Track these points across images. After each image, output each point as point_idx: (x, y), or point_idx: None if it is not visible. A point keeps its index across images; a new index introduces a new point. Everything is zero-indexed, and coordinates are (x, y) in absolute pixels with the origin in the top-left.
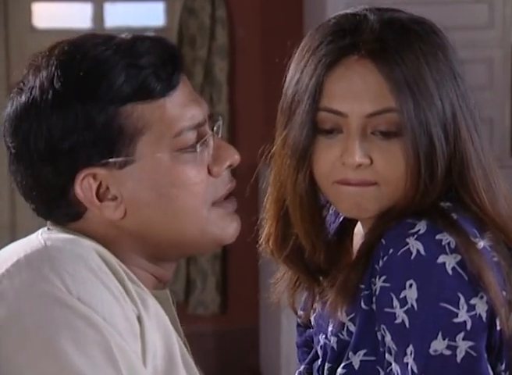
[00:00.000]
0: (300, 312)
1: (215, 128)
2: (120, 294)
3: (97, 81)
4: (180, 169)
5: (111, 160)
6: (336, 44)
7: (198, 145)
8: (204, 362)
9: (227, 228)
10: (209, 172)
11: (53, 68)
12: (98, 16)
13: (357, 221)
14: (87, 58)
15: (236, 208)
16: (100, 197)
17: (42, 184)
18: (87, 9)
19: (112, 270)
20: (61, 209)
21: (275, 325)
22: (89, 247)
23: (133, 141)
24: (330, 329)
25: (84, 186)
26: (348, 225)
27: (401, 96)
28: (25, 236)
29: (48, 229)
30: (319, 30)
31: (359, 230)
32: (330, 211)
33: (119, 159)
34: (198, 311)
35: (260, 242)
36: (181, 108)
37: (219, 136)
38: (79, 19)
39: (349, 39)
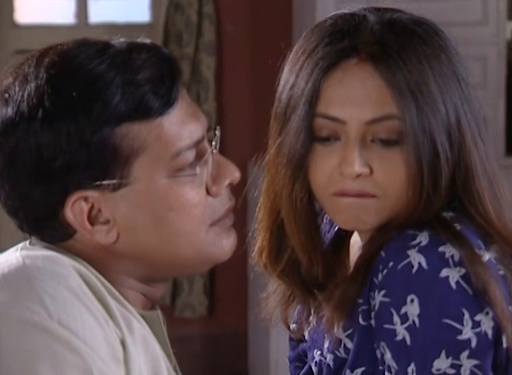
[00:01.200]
0: (293, 326)
1: (213, 143)
2: (102, 316)
3: (92, 99)
4: (178, 191)
5: (104, 182)
6: (334, 47)
7: (198, 167)
8: (191, 366)
9: (223, 246)
10: (208, 191)
11: (42, 82)
12: (82, 11)
13: (353, 231)
14: (80, 73)
15: (233, 222)
16: (91, 220)
17: (30, 206)
18: (71, 4)
19: (94, 291)
20: (49, 230)
21: (264, 328)
22: (69, 266)
23: (128, 163)
24: (326, 345)
25: (75, 209)
26: (344, 234)
27: (403, 102)
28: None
29: (30, 243)
30: (315, 31)
31: (356, 241)
32: (325, 220)
33: (113, 182)
34: (185, 314)
35: (252, 255)
36: (179, 126)
37: (217, 148)
38: (62, 14)
39: (347, 41)
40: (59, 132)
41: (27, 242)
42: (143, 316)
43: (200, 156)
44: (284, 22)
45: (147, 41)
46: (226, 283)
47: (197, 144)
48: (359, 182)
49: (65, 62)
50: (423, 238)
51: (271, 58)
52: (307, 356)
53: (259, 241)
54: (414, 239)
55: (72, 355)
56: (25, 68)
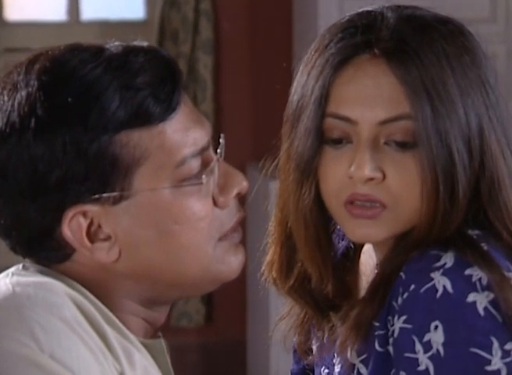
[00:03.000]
0: (300, 337)
1: (218, 150)
2: (99, 349)
3: (88, 106)
4: (184, 203)
5: (104, 195)
6: (346, 42)
7: (204, 176)
8: None
9: (232, 264)
10: (215, 203)
11: (34, 89)
12: (74, 7)
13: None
14: (74, 79)
15: (241, 237)
16: (91, 237)
17: (24, 224)
18: (62, 1)
19: (90, 321)
20: (44, 251)
21: (264, 337)
22: (64, 294)
23: (129, 173)
24: (337, 370)
25: (73, 226)
26: (357, 246)
27: (417, 101)
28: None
29: (24, 267)
30: (331, 28)
31: (370, 255)
32: (337, 230)
33: (113, 194)
34: (182, 323)
35: (262, 270)
36: (183, 132)
37: (222, 157)
38: (53, 11)
39: (361, 36)
40: (54, 142)
41: (20, 266)
42: (145, 345)
43: (205, 165)
44: (284, 19)
45: (144, 43)
46: (224, 290)
47: (202, 151)
48: (371, 187)
49: (58, 67)
50: (448, 259)
51: (270, 57)
52: (312, 371)
53: (269, 254)
54: (439, 260)
55: None
56: (14, 76)
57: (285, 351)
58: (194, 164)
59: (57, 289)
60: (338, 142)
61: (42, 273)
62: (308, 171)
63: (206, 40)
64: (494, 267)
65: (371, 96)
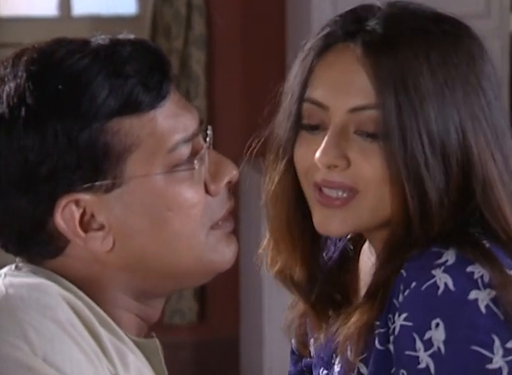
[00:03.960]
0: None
1: (207, 139)
2: (93, 351)
3: (78, 94)
4: (176, 189)
5: (96, 184)
6: (332, 30)
7: (196, 160)
8: (180, 374)
9: (225, 253)
10: (206, 190)
11: (22, 80)
12: (65, 3)
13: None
14: (62, 68)
15: (233, 227)
16: (84, 226)
17: (15, 217)
18: None
19: (85, 323)
20: (37, 246)
21: (257, 334)
22: (58, 295)
23: (121, 161)
24: (337, 369)
25: (66, 215)
26: (354, 246)
27: (383, 92)
28: None
29: (17, 267)
30: (329, 19)
31: (367, 251)
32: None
33: (106, 182)
34: (174, 320)
35: (265, 266)
36: (173, 119)
37: (211, 146)
38: (44, 6)
39: (348, 26)
40: (45, 132)
41: (13, 266)
42: (138, 345)
43: (196, 152)
44: (277, 14)
45: (131, 35)
46: (217, 287)
47: (192, 138)
48: (338, 174)
49: (45, 58)
50: (449, 257)
51: (263, 53)
52: (310, 372)
53: (269, 251)
54: (440, 257)
55: None
56: (0, 71)
57: (278, 350)
58: (185, 150)
59: (51, 290)
60: (315, 128)
61: (35, 273)
62: (284, 152)
63: (199, 35)
64: (496, 265)
65: (343, 83)
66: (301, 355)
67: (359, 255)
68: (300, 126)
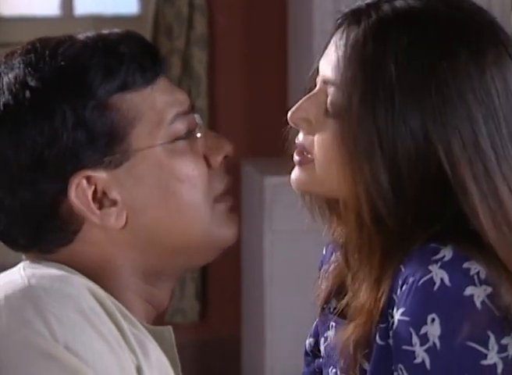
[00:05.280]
0: (310, 339)
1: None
2: (116, 341)
3: (78, 74)
4: (180, 160)
5: (105, 159)
6: (343, 13)
7: (197, 130)
8: (182, 373)
9: (230, 226)
10: (206, 164)
11: (20, 69)
12: (67, 2)
13: None
14: (58, 53)
15: (233, 202)
16: (98, 204)
17: (28, 205)
18: None
19: (108, 312)
20: (51, 233)
21: (259, 334)
22: (80, 285)
23: (126, 135)
24: (341, 366)
25: (79, 192)
26: None
27: (344, 71)
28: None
29: (32, 261)
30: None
31: None
32: None
33: (114, 157)
34: (176, 319)
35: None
36: (169, 94)
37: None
38: (46, 6)
39: (358, 10)
40: (53, 112)
41: (28, 262)
42: (151, 332)
43: (192, 128)
44: (279, 14)
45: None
46: (219, 287)
47: (188, 113)
48: (303, 137)
49: (40, 47)
50: (447, 253)
51: (265, 52)
52: (321, 373)
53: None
54: (437, 253)
55: None
56: None
57: (279, 349)
58: (183, 124)
59: (73, 281)
60: None
61: (52, 266)
62: None
63: (200, 35)
64: (493, 261)
65: (331, 52)
66: (314, 357)
67: None
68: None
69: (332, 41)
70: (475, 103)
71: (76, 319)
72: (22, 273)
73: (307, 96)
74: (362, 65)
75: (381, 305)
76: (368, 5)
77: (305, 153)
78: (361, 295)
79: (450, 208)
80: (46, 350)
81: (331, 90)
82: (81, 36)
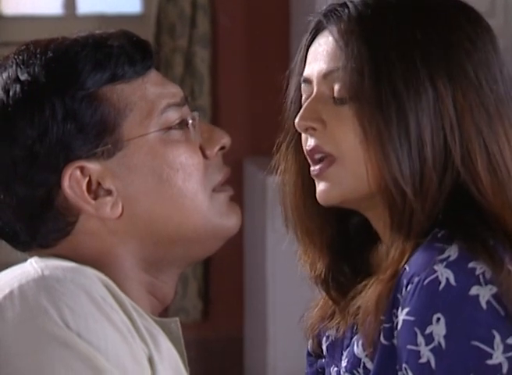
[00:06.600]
0: (311, 340)
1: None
2: (128, 330)
3: (67, 66)
4: (174, 148)
5: (97, 150)
6: (326, 13)
7: (189, 119)
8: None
9: (231, 216)
10: (203, 155)
11: (12, 68)
12: (70, 2)
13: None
14: (48, 49)
15: (233, 192)
16: (92, 195)
17: (24, 199)
18: None
19: (119, 302)
20: (48, 225)
21: (261, 333)
22: (93, 275)
23: (118, 125)
24: (344, 364)
25: (73, 183)
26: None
27: (347, 53)
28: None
29: (39, 256)
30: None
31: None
32: None
33: (106, 147)
34: (178, 318)
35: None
36: (160, 86)
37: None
38: (49, 5)
39: (341, 9)
40: (43, 104)
41: (36, 257)
42: (159, 324)
43: (186, 118)
44: (281, 12)
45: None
46: (221, 285)
47: (181, 104)
48: (317, 138)
49: (32, 46)
50: (452, 252)
51: (268, 51)
52: (325, 373)
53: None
54: (443, 253)
55: (92, 373)
56: None
57: (282, 348)
58: (176, 114)
59: (85, 271)
60: None
61: (59, 259)
62: (291, 138)
63: (203, 34)
64: (498, 261)
65: (319, 53)
66: (317, 357)
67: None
68: (300, 107)
69: (313, 48)
70: (479, 64)
71: (88, 309)
72: (34, 265)
73: (309, 101)
74: (363, 36)
75: (402, 263)
76: (334, 4)
77: (321, 156)
78: (390, 254)
79: (451, 174)
80: (60, 337)
81: (336, 76)
82: (74, 35)
